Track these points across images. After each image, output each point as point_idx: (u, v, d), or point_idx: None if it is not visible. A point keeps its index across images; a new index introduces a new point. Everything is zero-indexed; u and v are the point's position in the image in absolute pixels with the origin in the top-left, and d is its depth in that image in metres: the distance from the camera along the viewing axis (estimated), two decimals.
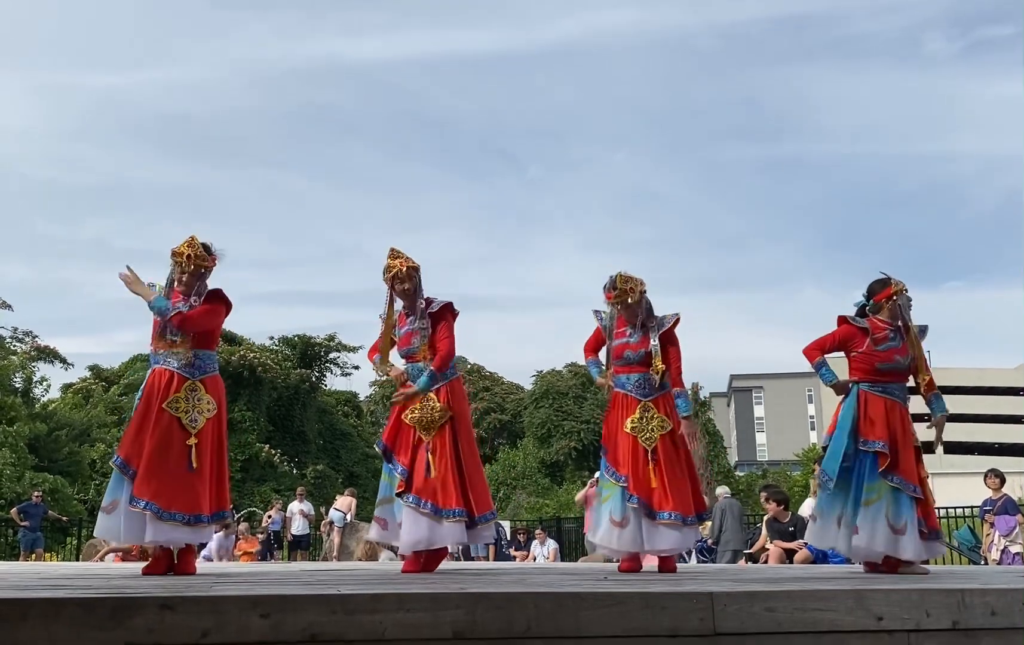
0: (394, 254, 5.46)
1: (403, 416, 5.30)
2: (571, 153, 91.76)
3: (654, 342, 5.44)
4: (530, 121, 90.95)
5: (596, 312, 5.72)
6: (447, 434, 5.26)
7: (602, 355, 5.74)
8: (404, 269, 5.39)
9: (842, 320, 5.45)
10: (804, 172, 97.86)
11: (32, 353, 37.97)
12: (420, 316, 5.40)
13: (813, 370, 5.43)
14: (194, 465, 4.82)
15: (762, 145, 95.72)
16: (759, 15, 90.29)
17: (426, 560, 5.28)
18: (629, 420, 5.38)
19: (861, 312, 5.48)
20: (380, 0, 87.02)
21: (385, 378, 5.56)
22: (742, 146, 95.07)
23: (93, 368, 40.83)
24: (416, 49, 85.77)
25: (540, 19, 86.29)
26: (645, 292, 5.55)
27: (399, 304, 5.52)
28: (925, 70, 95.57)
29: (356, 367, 41.38)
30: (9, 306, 37.27)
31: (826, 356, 5.42)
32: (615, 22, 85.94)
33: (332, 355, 40.31)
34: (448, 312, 5.45)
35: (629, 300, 5.48)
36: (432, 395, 5.27)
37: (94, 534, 5.20)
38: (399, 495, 5.21)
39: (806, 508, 9.48)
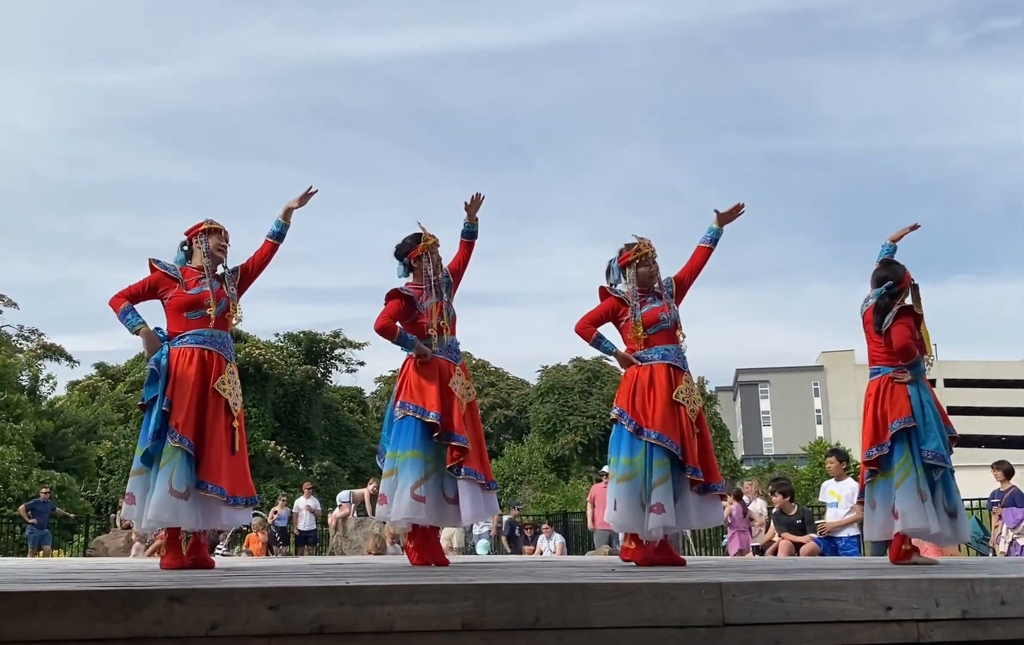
0: (425, 229, 5.45)
1: (451, 386, 5.17)
2: (578, 146, 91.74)
3: (674, 307, 5.42)
4: (537, 115, 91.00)
5: (610, 286, 5.49)
6: (474, 408, 5.31)
7: (604, 332, 5.53)
8: (437, 241, 5.44)
9: (907, 311, 5.34)
10: (811, 165, 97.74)
11: (38, 351, 38.12)
12: (445, 288, 5.38)
13: (911, 366, 5.21)
14: (236, 449, 4.90)
15: (768, 138, 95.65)
16: (766, 8, 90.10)
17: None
18: (678, 389, 5.20)
19: (890, 299, 5.34)
20: None
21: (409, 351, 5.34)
22: (748, 139, 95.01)
23: (99, 366, 40.95)
24: (423, 44, 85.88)
25: (547, 13, 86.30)
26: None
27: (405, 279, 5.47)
28: (932, 62, 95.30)
29: (362, 363, 41.48)
30: (15, 304, 37.45)
31: None
32: (622, 16, 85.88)
33: (337, 351, 40.36)
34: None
35: (654, 260, 5.42)
36: (460, 369, 5.30)
37: (151, 523, 4.80)
38: (452, 468, 5.05)
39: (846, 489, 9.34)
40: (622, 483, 5.16)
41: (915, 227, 5.68)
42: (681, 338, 5.41)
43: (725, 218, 5.60)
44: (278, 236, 5.31)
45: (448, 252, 5.55)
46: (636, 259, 5.41)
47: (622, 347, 5.48)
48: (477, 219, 5.50)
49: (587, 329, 5.44)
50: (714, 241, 5.55)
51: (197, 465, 4.77)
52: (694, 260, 5.58)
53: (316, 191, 5.36)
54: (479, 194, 5.46)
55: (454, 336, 5.36)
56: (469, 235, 5.50)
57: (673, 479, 5.09)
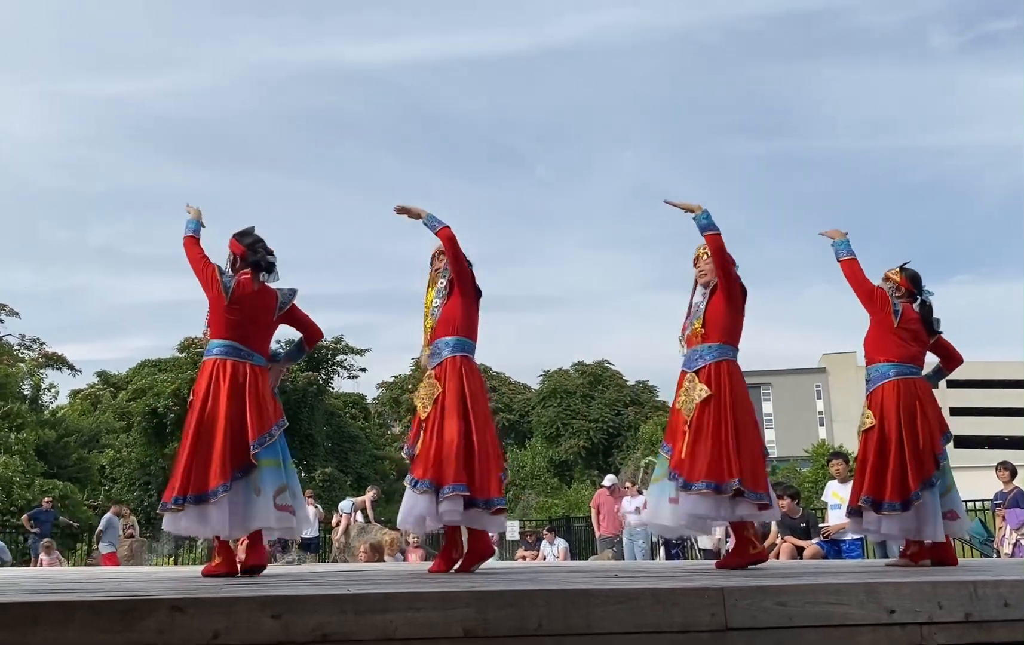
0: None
1: (414, 397, 5.31)
2: (578, 151, 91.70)
3: (700, 308, 5.36)
4: (537, 120, 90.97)
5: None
6: (438, 410, 5.08)
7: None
8: (434, 252, 5.44)
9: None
10: (810, 166, 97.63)
11: (40, 360, 38.14)
12: (438, 292, 5.34)
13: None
14: None
15: (768, 140, 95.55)
16: (764, 11, 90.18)
17: (464, 561, 5.15)
18: (678, 394, 5.31)
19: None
20: (385, 3, 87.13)
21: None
22: (748, 141, 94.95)
23: (101, 374, 41.01)
24: (422, 51, 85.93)
25: (546, 18, 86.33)
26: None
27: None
28: (930, 64, 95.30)
29: (363, 370, 41.51)
30: (16, 313, 37.51)
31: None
32: (621, 20, 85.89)
33: (339, 358, 40.36)
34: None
35: (700, 263, 5.48)
36: (432, 372, 5.20)
37: (279, 534, 5.25)
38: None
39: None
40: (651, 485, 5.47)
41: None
42: (695, 340, 5.31)
43: (686, 209, 5.45)
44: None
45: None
46: (694, 263, 5.50)
47: None
48: (424, 214, 5.37)
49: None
50: (701, 229, 5.35)
51: None
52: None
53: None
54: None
55: (436, 339, 5.26)
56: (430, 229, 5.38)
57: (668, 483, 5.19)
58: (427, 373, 5.23)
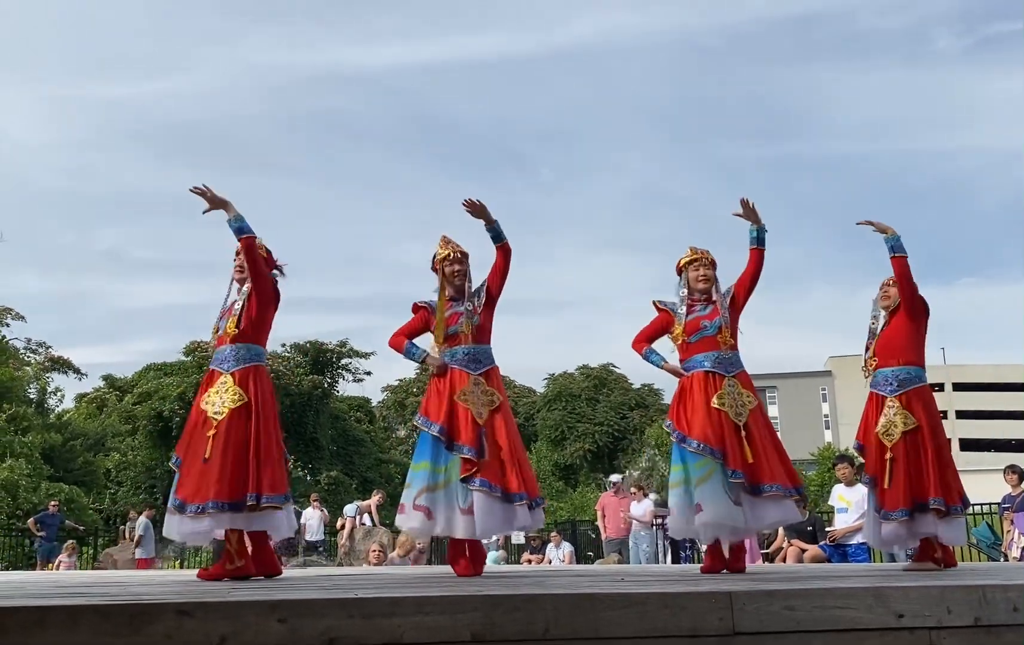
0: (445, 240, 5.43)
1: (455, 398, 5.11)
2: (582, 154, 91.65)
3: (724, 313, 5.35)
4: (541, 124, 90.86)
5: (662, 301, 5.69)
6: (498, 418, 5.12)
7: (658, 347, 5.69)
8: (458, 253, 5.36)
9: None
10: (814, 170, 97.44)
11: (46, 364, 38.24)
12: (467, 298, 5.29)
13: None
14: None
15: (770, 143, 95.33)
16: (767, 15, 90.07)
17: (476, 563, 5.14)
18: (717, 395, 5.23)
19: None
20: (388, 7, 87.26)
21: (422, 365, 5.51)
22: (750, 145, 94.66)
23: (107, 378, 41.07)
24: (425, 54, 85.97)
25: (549, 22, 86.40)
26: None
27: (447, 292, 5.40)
28: (935, 66, 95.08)
29: (368, 373, 41.48)
30: (22, 317, 37.58)
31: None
32: (625, 23, 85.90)
33: (344, 361, 40.38)
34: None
35: (706, 265, 5.53)
36: (481, 379, 5.17)
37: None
38: (465, 479, 4.96)
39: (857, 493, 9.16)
40: (674, 490, 5.30)
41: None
42: (722, 344, 5.31)
43: (747, 217, 5.47)
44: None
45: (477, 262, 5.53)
46: (687, 264, 5.49)
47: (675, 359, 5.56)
48: (494, 220, 5.34)
49: (639, 345, 5.59)
50: (756, 241, 5.43)
51: None
52: (747, 264, 5.51)
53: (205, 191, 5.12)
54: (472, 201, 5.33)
55: (476, 345, 5.24)
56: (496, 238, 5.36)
57: (724, 482, 5.10)
58: (472, 377, 5.15)
